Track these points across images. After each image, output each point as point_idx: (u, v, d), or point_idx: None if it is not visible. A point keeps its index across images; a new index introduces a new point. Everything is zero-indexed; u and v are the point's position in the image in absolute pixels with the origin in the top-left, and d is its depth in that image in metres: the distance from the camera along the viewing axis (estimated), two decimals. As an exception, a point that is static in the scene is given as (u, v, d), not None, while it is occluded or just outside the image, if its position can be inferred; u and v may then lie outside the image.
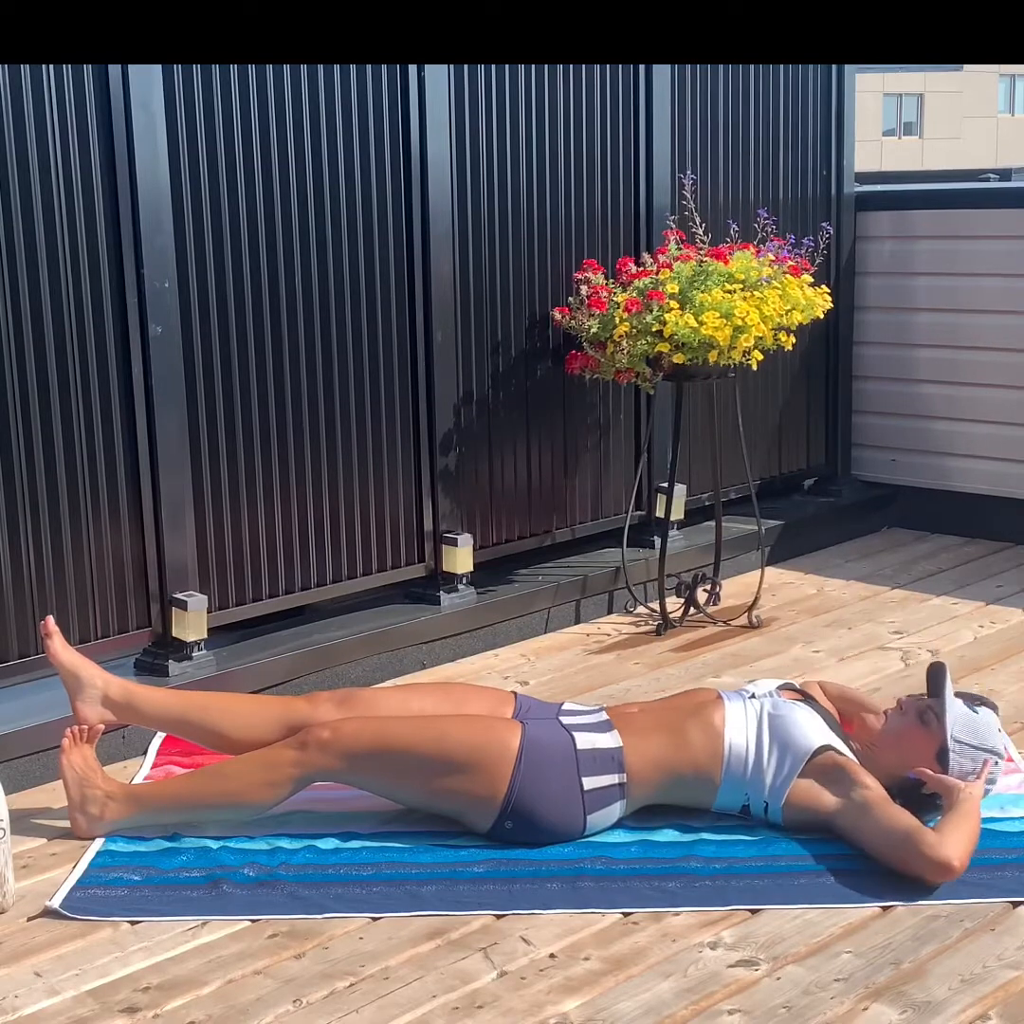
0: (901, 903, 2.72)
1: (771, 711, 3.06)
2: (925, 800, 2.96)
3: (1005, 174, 8.73)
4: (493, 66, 4.20)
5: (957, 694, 3.08)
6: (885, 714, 3.14)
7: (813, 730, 3.01)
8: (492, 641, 4.34)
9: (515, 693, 3.29)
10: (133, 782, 3.30)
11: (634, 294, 4.20)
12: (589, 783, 2.97)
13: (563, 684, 4.00)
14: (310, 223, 3.86)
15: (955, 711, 3.02)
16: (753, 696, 3.13)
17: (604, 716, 3.11)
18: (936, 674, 3.09)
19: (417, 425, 4.20)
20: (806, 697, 3.20)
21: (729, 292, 4.10)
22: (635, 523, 4.75)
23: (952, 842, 2.77)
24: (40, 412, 3.40)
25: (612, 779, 2.98)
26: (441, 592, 4.28)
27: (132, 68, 3.43)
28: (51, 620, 3.17)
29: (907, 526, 5.52)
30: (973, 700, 3.10)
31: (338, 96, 3.88)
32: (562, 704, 3.22)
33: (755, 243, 4.35)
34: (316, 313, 3.91)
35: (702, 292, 4.11)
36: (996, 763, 3.02)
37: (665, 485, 4.64)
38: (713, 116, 4.89)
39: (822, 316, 4.37)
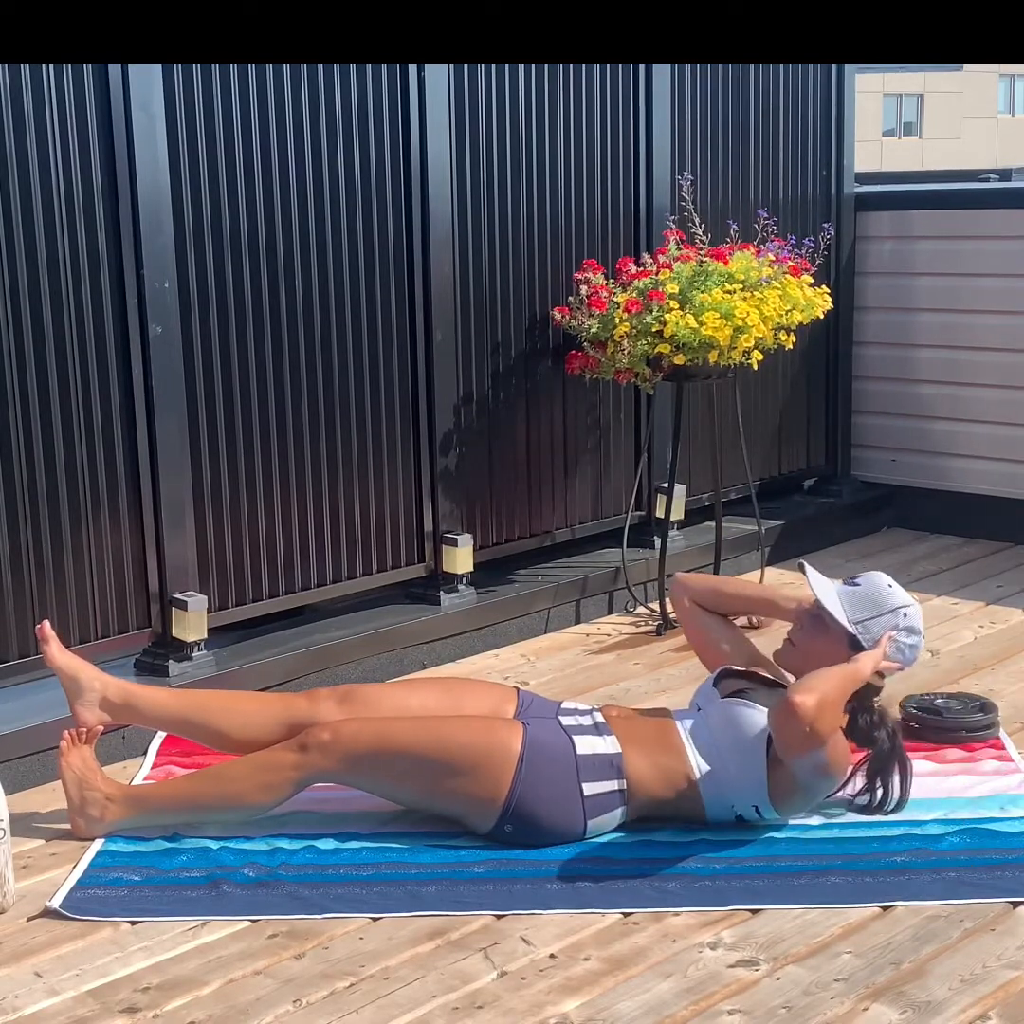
0: (901, 903, 2.72)
1: (718, 718, 3.04)
2: (867, 732, 3.01)
3: (1005, 174, 8.71)
4: (493, 66, 4.20)
5: (835, 582, 3.10)
6: (789, 640, 3.14)
7: (756, 718, 2.99)
8: (492, 641, 4.34)
9: (517, 689, 3.28)
10: (133, 783, 3.30)
11: (634, 294, 4.20)
12: (589, 789, 2.96)
13: (563, 684, 4.00)
14: (310, 222, 3.86)
15: (838, 598, 3.04)
16: (699, 709, 3.12)
17: (600, 717, 3.10)
18: (806, 575, 3.09)
19: (417, 425, 4.20)
20: (744, 673, 3.19)
21: (729, 292, 4.10)
22: (635, 523, 4.75)
23: (807, 684, 2.80)
24: (40, 412, 3.40)
25: (612, 785, 2.98)
26: (441, 592, 4.28)
27: (132, 68, 3.44)
28: (47, 625, 3.16)
29: (907, 526, 5.52)
30: (851, 578, 3.10)
31: (338, 97, 3.88)
32: (561, 703, 3.21)
33: (755, 243, 4.36)
34: (316, 313, 3.91)
35: (702, 292, 4.11)
36: (904, 614, 3.03)
37: (665, 485, 4.64)
38: (713, 116, 4.89)
39: (822, 316, 4.37)
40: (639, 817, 3.03)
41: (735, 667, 3.23)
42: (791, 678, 3.10)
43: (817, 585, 3.06)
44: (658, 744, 3.03)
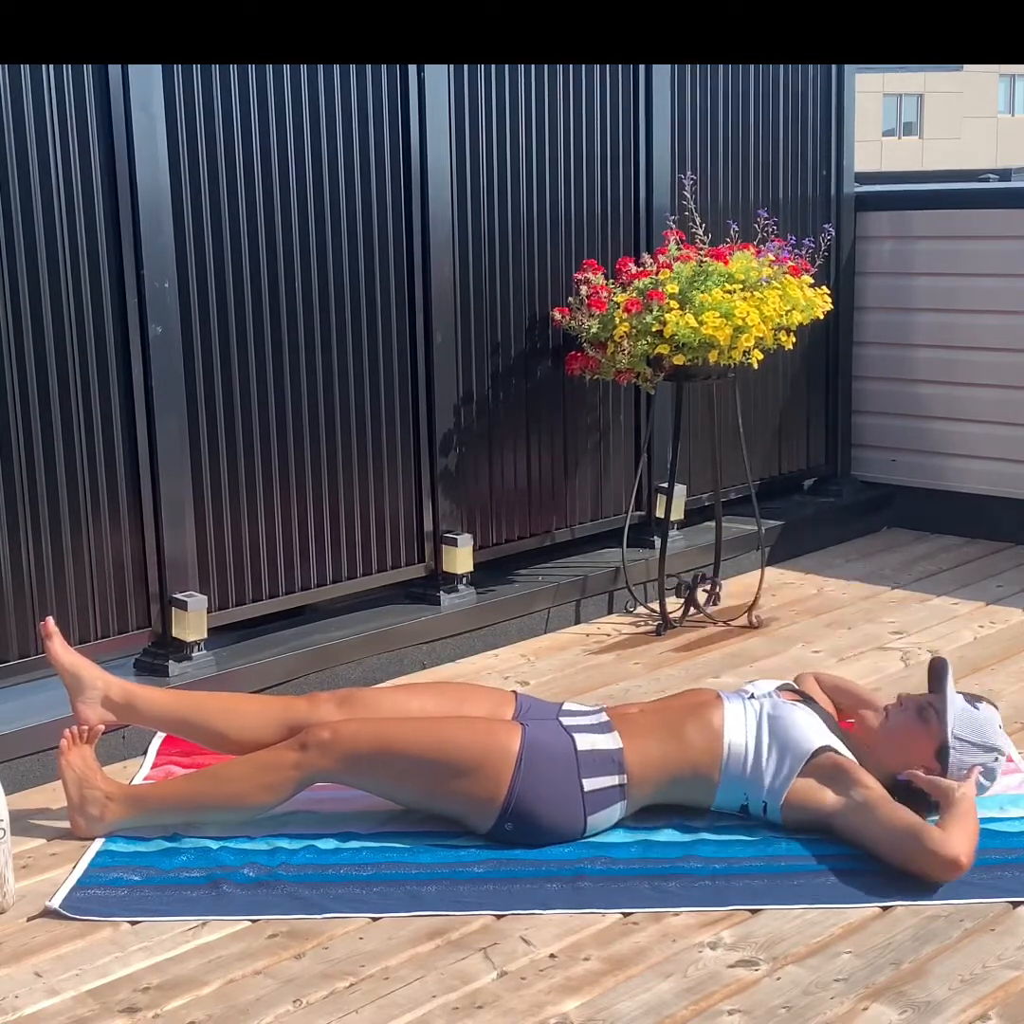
0: (901, 903, 2.72)
1: (770, 712, 3.06)
2: (922, 798, 2.95)
3: (1005, 174, 8.70)
4: (493, 67, 4.20)
5: (958, 692, 3.08)
6: (885, 710, 3.13)
7: (812, 731, 3.01)
8: (492, 641, 4.34)
9: (516, 693, 3.29)
10: (133, 782, 3.30)
11: (634, 294, 4.20)
12: (589, 785, 2.97)
13: (563, 684, 4.00)
14: (310, 223, 3.86)
15: (956, 708, 3.02)
16: (752, 697, 3.13)
17: (604, 717, 3.11)
18: (938, 670, 3.08)
19: (417, 426, 4.20)
20: (805, 698, 3.20)
21: (729, 292, 4.10)
22: (635, 523, 4.75)
23: (957, 838, 2.76)
24: (40, 412, 3.40)
25: (612, 780, 2.98)
26: (441, 592, 4.28)
27: (132, 68, 3.43)
28: (51, 621, 3.17)
29: (907, 526, 5.52)
30: (974, 698, 3.09)
31: (338, 97, 3.88)
32: (562, 704, 3.22)
33: (755, 243, 4.35)
34: (316, 313, 3.91)
35: (702, 292, 4.11)
36: (996, 759, 3.02)
37: (665, 485, 4.64)
38: (713, 116, 4.89)
39: (822, 316, 4.37)
40: (640, 808, 3.04)
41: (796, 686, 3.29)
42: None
43: (949, 685, 3.04)
44: (693, 718, 3.04)
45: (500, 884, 2.83)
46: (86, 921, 2.71)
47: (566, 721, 3.08)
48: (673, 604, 4.49)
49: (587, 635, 4.46)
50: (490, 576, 4.48)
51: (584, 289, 4.33)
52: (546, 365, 4.51)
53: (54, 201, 3.37)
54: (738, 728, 3.03)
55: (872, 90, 34.07)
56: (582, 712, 3.15)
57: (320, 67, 3.81)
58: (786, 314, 4.17)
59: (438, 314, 4.17)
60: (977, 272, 5.22)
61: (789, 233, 4.57)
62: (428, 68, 4.02)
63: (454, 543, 4.27)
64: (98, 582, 3.57)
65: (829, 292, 4.36)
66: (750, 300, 4.10)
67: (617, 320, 4.17)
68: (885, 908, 2.71)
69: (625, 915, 2.72)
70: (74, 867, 2.91)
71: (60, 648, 3.15)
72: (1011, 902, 2.72)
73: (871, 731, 3.11)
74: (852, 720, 3.23)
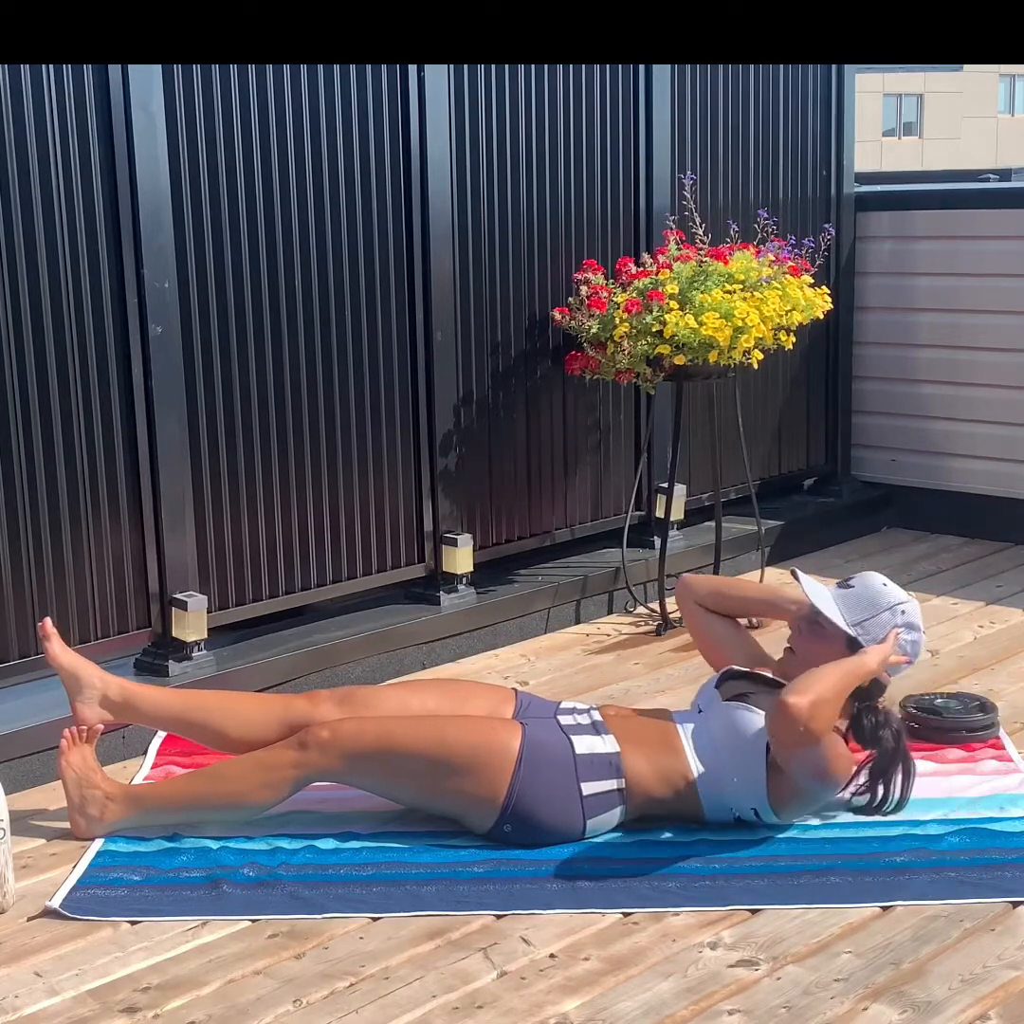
0: (901, 903, 2.72)
1: (717, 722, 3.03)
2: (872, 731, 2.98)
3: (1005, 174, 8.70)
4: (493, 66, 4.20)
5: (831, 588, 3.09)
6: (788, 650, 3.14)
7: (756, 723, 2.98)
8: (492, 641, 4.34)
9: (516, 690, 3.28)
10: (133, 782, 3.30)
11: (634, 294, 4.20)
12: (588, 788, 2.96)
13: (563, 684, 4.00)
14: (310, 223, 3.86)
15: (833, 599, 3.03)
16: (700, 711, 3.12)
17: (598, 716, 3.10)
18: (797, 580, 3.09)
19: (417, 425, 4.20)
20: (748, 675, 3.19)
21: (729, 293, 4.10)
22: (635, 523, 4.75)
23: (799, 684, 2.79)
24: (40, 412, 3.40)
25: (611, 785, 2.98)
26: (441, 592, 4.28)
27: (132, 68, 3.44)
28: (49, 622, 3.17)
29: (906, 526, 5.52)
30: (842, 581, 3.11)
31: (338, 96, 3.88)
32: (560, 703, 3.21)
33: (755, 243, 4.35)
34: (316, 313, 3.91)
35: (702, 293, 4.11)
36: (901, 611, 3.03)
37: (665, 485, 4.64)
38: (713, 116, 4.89)
39: (822, 316, 4.37)
40: (638, 816, 3.03)
41: (738, 667, 3.23)
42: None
43: (811, 590, 3.06)
44: (657, 744, 3.03)
45: (500, 884, 2.83)
46: (86, 921, 2.71)
47: (563, 720, 3.08)
48: (673, 604, 4.48)
49: (587, 635, 4.46)
50: (490, 576, 4.47)
51: (584, 289, 4.33)
52: (546, 365, 4.51)
53: (54, 201, 3.37)
54: (700, 748, 3.01)
55: (872, 90, 34.05)
56: (577, 710, 3.14)
57: (320, 67, 3.82)
58: (786, 314, 4.17)
59: (438, 314, 4.17)
60: (977, 272, 5.21)
61: (789, 233, 4.57)
62: (428, 68, 4.02)
63: (454, 543, 4.27)
64: (98, 582, 3.57)
65: (829, 292, 4.37)
66: (750, 300, 4.10)
67: (617, 320, 4.16)
68: (885, 908, 2.72)
69: (625, 915, 2.72)
70: (74, 867, 2.91)
71: (59, 649, 3.15)
72: (1011, 902, 2.72)
73: (790, 669, 3.08)
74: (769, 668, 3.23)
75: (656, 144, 4.69)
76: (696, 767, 3.00)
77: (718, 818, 3.02)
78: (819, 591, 3.07)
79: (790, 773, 2.89)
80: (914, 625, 3.05)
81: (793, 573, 3.13)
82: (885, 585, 3.07)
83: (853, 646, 3.00)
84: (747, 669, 3.22)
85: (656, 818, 3.04)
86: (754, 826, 3.02)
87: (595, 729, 3.05)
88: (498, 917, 2.72)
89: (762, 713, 2.97)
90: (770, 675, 3.20)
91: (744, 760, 2.97)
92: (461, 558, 4.29)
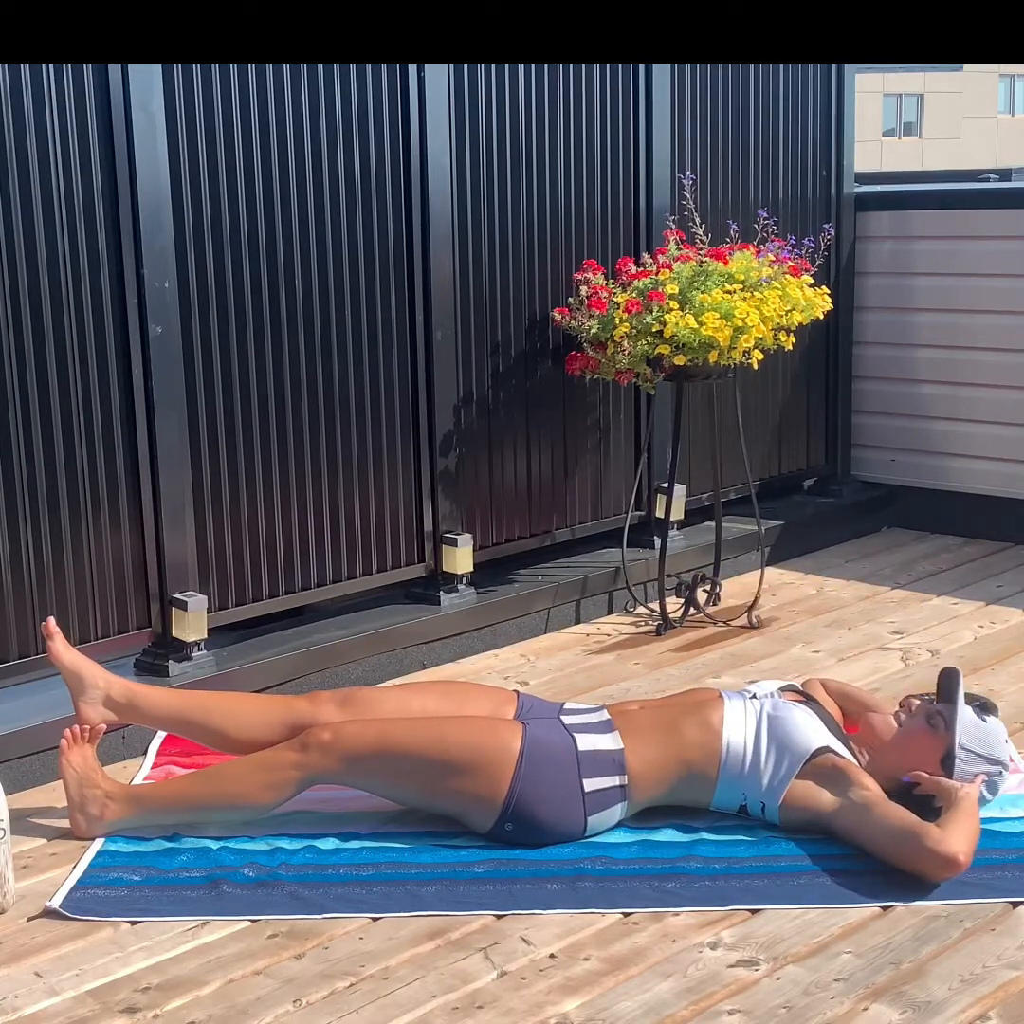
0: (901, 903, 2.72)
1: (771, 712, 3.06)
2: (923, 802, 2.94)
3: (1005, 174, 8.71)
4: (493, 66, 4.20)
5: (968, 703, 3.07)
6: (895, 716, 3.13)
7: (812, 731, 3.01)
8: (492, 641, 4.34)
9: (517, 692, 3.29)
10: (133, 782, 3.30)
11: (634, 295, 4.20)
12: (590, 785, 2.97)
13: (563, 684, 4.00)
14: (310, 223, 3.86)
15: (965, 719, 3.01)
16: (754, 696, 3.13)
17: (606, 715, 3.11)
18: (950, 679, 3.07)
19: (417, 425, 4.20)
20: (808, 699, 3.20)
21: (729, 293, 4.10)
22: (635, 523, 4.75)
23: (955, 836, 2.76)
24: (40, 412, 3.40)
25: (613, 781, 2.98)
26: (441, 592, 4.28)
27: (132, 68, 3.44)
28: (52, 621, 3.17)
29: (907, 526, 5.52)
30: (983, 711, 3.09)
31: (338, 96, 3.88)
32: (563, 704, 3.22)
33: (755, 243, 4.35)
34: (316, 313, 3.91)
35: (702, 293, 4.11)
36: (1001, 773, 3.03)
37: (665, 485, 4.64)
38: (713, 116, 4.89)
39: (822, 316, 4.37)
40: (639, 811, 3.03)
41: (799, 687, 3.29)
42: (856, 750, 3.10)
43: (959, 698, 3.03)
44: (693, 715, 3.05)
45: (500, 884, 2.83)
46: (86, 921, 2.71)
47: (567, 720, 3.08)
48: (673, 604, 4.49)
49: (587, 635, 4.46)
50: (490, 576, 4.47)
51: (584, 289, 4.33)
52: (546, 365, 4.51)
53: (54, 201, 3.37)
54: (737, 727, 3.03)
55: (872, 90, 34.06)
56: (583, 711, 3.15)
57: (320, 67, 3.82)
58: (786, 314, 4.17)
59: (438, 314, 4.17)
60: (977, 272, 5.21)
61: (789, 233, 4.57)
62: (428, 68, 4.02)
63: (454, 543, 4.27)
64: (98, 582, 3.57)
65: (829, 292, 4.36)
66: (750, 300, 4.10)
67: (617, 320, 4.16)
68: (885, 908, 2.72)
69: (625, 915, 2.72)
70: (74, 867, 2.91)
71: (62, 648, 3.15)
72: (1011, 902, 2.72)
73: (877, 734, 3.11)
74: (858, 723, 3.22)
75: (656, 144, 4.69)
76: (728, 746, 3.00)
77: (724, 803, 3.03)
78: (963, 701, 3.04)
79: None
80: (996, 791, 3.05)
81: (955, 672, 3.07)
82: (1006, 741, 3.07)
83: (946, 763, 2.98)
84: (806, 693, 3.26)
85: (657, 811, 3.04)
86: (755, 823, 3.02)
87: (600, 727, 3.05)
88: (498, 917, 2.72)
89: (818, 724, 3.00)
90: (838, 717, 3.20)
91: (781, 757, 2.98)
92: (461, 558, 4.29)
